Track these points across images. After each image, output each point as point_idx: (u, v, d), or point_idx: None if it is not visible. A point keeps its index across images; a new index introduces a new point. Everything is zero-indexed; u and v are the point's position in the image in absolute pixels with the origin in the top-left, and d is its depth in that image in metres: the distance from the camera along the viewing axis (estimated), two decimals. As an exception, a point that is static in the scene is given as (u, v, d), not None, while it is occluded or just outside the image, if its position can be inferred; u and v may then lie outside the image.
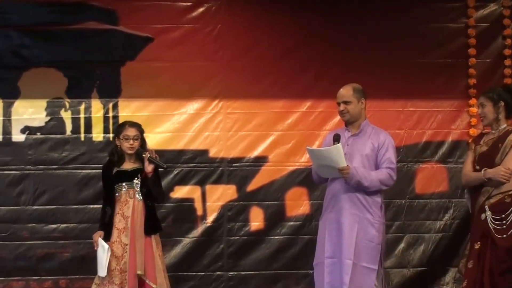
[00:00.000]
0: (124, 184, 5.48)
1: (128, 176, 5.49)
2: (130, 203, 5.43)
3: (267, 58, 6.81)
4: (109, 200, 5.50)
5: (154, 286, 5.50)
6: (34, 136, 6.74)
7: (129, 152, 5.49)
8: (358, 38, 6.84)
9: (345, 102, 5.34)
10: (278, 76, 6.83)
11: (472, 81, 7.07)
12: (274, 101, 6.85)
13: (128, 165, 5.51)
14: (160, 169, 5.57)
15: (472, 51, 7.08)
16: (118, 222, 5.43)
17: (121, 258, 5.42)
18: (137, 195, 5.44)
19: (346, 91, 5.36)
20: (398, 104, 6.92)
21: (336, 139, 5.21)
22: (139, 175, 5.45)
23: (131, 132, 5.48)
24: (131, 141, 5.46)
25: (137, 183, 5.45)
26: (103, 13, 6.72)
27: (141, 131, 5.56)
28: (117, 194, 5.47)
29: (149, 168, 5.41)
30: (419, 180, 7.00)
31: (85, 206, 6.59)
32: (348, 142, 5.37)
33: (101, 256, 5.38)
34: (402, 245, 6.97)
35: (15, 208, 6.68)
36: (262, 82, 6.84)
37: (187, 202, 6.83)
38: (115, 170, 5.50)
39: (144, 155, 5.41)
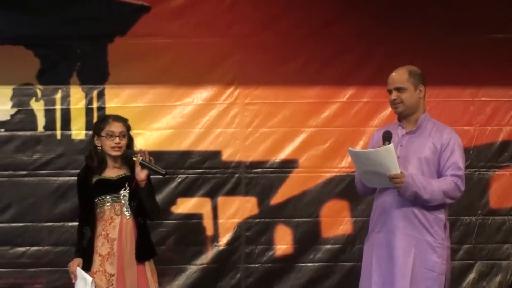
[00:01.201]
0: (107, 197, 4.55)
1: (112, 187, 4.57)
2: (116, 221, 4.55)
3: (296, 34, 5.73)
4: (87, 218, 4.57)
5: None
6: None
7: (114, 153, 4.53)
8: (412, 10, 5.77)
9: (399, 89, 4.44)
10: (311, 57, 5.74)
11: None
12: (306, 88, 5.75)
13: (111, 172, 4.59)
14: (155, 176, 4.67)
15: None
16: (101, 247, 4.51)
17: None
18: (125, 211, 4.53)
19: (399, 75, 4.48)
20: (466, 93, 5.84)
21: (387, 137, 4.37)
22: (126, 185, 4.52)
23: (116, 127, 4.55)
24: (117, 139, 4.52)
25: (124, 196, 4.54)
26: None
27: (128, 127, 4.64)
28: (98, 210, 4.54)
29: (141, 175, 4.50)
30: (495, 191, 5.94)
31: (62, 223, 5.53)
32: (402, 141, 4.49)
33: None
34: (472, 275, 5.91)
35: None
36: (289, 64, 5.74)
37: (193, 219, 5.73)
38: (95, 179, 4.57)
39: (135, 158, 4.50)
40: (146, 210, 4.51)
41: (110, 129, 4.49)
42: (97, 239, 4.45)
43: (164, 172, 4.56)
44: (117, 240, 4.45)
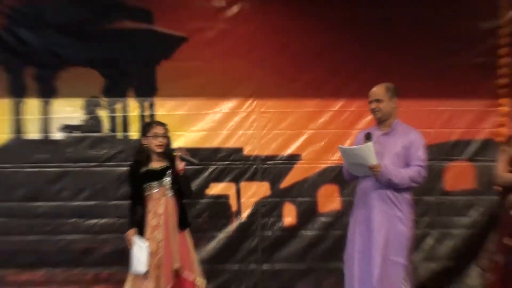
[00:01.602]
0: (154, 183, 5.02)
1: (157, 175, 5.01)
2: (162, 201, 4.99)
3: (300, 58, 6.06)
4: (139, 199, 5.02)
5: (191, 276, 5.09)
6: (72, 135, 6.07)
7: (158, 150, 5.00)
8: (389, 39, 6.03)
9: (378, 100, 4.90)
10: (311, 76, 6.08)
11: (502, 81, 6.16)
12: (307, 100, 6.10)
13: (155, 164, 5.04)
14: (191, 167, 5.22)
15: (502, 51, 6.15)
16: (151, 220, 4.97)
17: (155, 254, 4.97)
18: (168, 193, 5.01)
19: (378, 90, 4.92)
20: (428, 104, 6.13)
21: (368, 137, 4.80)
22: (168, 173, 5.01)
23: (160, 130, 5.02)
24: (160, 139, 4.99)
25: (167, 181, 5.01)
26: (138, 13, 5.95)
27: (167, 130, 5.10)
28: (147, 193, 5.01)
29: (180, 166, 4.99)
30: (448, 178, 6.25)
31: (124, 202, 5.79)
32: (379, 140, 4.91)
33: (139, 254, 4.94)
34: (430, 240, 6.25)
35: (56, 204, 6.02)
36: (295, 82, 6.10)
37: (222, 199, 6.17)
38: (143, 169, 5.02)
39: (175, 154, 4.99)
40: (183, 191, 5.04)
41: (155, 131, 4.98)
42: (148, 214, 4.96)
43: (197, 162, 5.10)
44: (163, 214, 4.96)
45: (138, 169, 4.99)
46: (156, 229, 4.95)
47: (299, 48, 5.99)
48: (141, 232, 4.96)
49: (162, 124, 5.04)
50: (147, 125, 5.11)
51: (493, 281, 4.98)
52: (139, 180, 4.99)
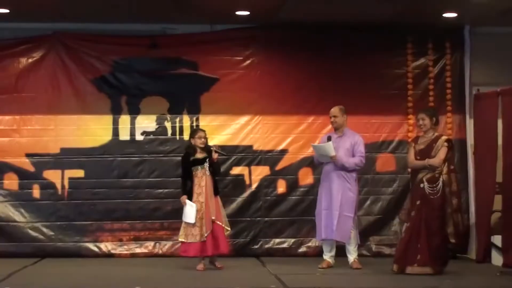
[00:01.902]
0: (199, 166, 6.78)
1: (200, 162, 6.79)
2: (204, 178, 6.80)
3: (288, 89, 8.23)
4: (189, 176, 6.78)
5: (222, 224, 6.86)
6: (148, 137, 8.21)
7: (202, 146, 6.79)
8: (343, 77, 8.13)
9: (335, 116, 7.00)
10: (295, 100, 8.22)
11: (409, 104, 8.38)
12: (292, 115, 8.29)
13: (199, 155, 6.81)
14: (222, 157, 6.98)
15: (410, 86, 8.37)
16: (197, 189, 6.76)
17: (199, 211, 6.73)
18: (207, 173, 6.82)
19: (335, 110, 7.02)
20: (365, 118, 8.29)
21: (329, 139, 6.90)
22: (207, 160, 6.77)
23: (202, 134, 6.86)
24: (203, 139, 6.82)
25: (207, 166, 6.83)
26: (189, 63, 8.13)
27: (206, 134, 6.92)
28: (194, 173, 6.78)
29: (215, 156, 6.73)
30: (378, 164, 8.35)
31: (179, 179, 7.48)
32: (336, 141, 7.01)
33: (190, 210, 6.63)
34: (368, 202, 8.35)
35: (137, 180, 8.18)
36: (285, 104, 8.25)
37: (240, 177, 8.29)
38: (191, 158, 6.79)
39: (212, 148, 6.77)
40: (216, 172, 6.79)
41: (200, 134, 6.87)
42: (195, 186, 6.73)
43: (226, 155, 7.04)
44: (204, 186, 6.71)
45: (188, 158, 6.76)
46: (199, 195, 6.72)
47: (287, 83, 8.16)
48: (190, 197, 6.69)
49: (203, 130, 6.95)
50: (194, 131, 7.04)
51: (407, 227, 6.65)
52: (189, 164, 6.74)
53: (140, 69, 8.03)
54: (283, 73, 8.19)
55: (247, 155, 8.24)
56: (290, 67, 8.15)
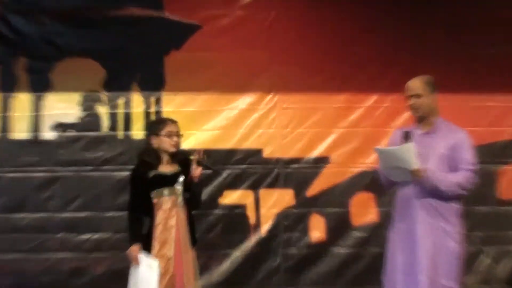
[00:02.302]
0: (165, 190, 4.63)
1: (168, 181, 4.64)
2: (173, 212, 4.63)
3: (327, 47, 5.84)
4: (145, 208, 4.61)
5: None
6: (66, 134, 5.77)
7: (172, 150, 4.63)
8: (429, 25, 5.83)
9: (416, 96, 4.56)
10: (339, 67, 5.86)
11: None
12: (335, 95, 5.86)
13: (165, 168, 4.67)
14: (204, 171, 4.77)
15: None
16: (160, 234, 4.59)
17: (165, 275, 4.56)
18: (179, 202, 4.64)
19: (415, 84, 4.60)
20: (475, 99, 5.87)
21: (407, 137, 4.47)
22: (180, 179, 4.64)
23: (174, 128, 4.66)
24: (175, 138, 4.64)
25: (180, 189, 4.64)
26: None
27: (179, 128, 4.88)
28: (155, 201, 4.63)
29: (197, 171, 4.61)
30: (503, 184, 5.87)
31: (123, 213, 5.24)
32: (420, 141, 4.55)
33: (147, 275, 4.56)
34: (484, 260, 5.81)
35: (43, 215, 5.65)
36: (321, 74, 5.84)
37: (238, 209, 5.84)
38: (151, 173, 4.63)
39: (192, 157, 4.61)
40: (194, 201, 4.58)
41: (170, 129, 4.55)
42: (157, 227, 4.48)
43: (216, 169, 4.82)
44: (175, 227, 4.49)
45: (144, 172, 4.57)
46: (164, 244, 4.52)
47: (325, 36, 5.78)
48: (147, 248, 4.52)
49: (175, 122, 4.70)
50: (158, 123, 4.76)
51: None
52: (145, 185, 4.56)
53: (51, 5, 5.76)
54: (318, 15, 5.88)
55: (252, 168, 5.87)
56: (328, 7, 5.88)
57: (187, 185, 4.55)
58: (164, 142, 4.54)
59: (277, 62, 5.75)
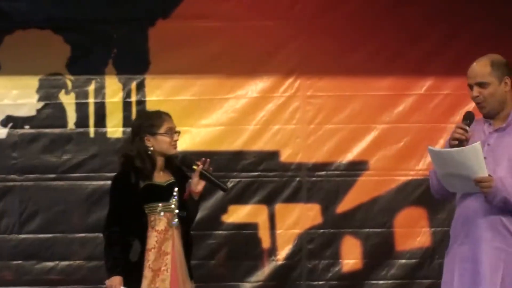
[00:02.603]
0: (159, 204, 4.06)
1: (163, 193, 4.08)
2: (169, 233, 4.11)
3: (367, 16, 5.03)
4: (133, 228, 4.02)
5: None
6: (21, 131, 4.95)
7: (173, 152, 4.12)
8: None
9: (480, 84, 3.87)
10: (383, 42, 5.05)
11: None
12: (377, 79, 5.05)
13: (159, 177, 4.10)
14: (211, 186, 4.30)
15: None
16: (154, 261, 4.10)
17: None
18: (174, 222, 4.08)
19: (481, 68, 3.91)
20: None
21: (468, 118, 3.85)
22: (175, 193, 4.05)
23: (173, 123, 4.15)
24: (176, 136, 4.14)
25: (174, 204, 4.09)
26: None
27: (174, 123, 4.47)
28: (148, 220, 4.09)
29: (199, 186, 4.08)
30: None
31: (96, 234, 4.68)
32: (490, 140, 3.91)
33: None
34: None
35: None
36: (358, 51, 5.04)
37: (247, 230, 5.05)
38: (143, 183, 4.05)
39: (195, 167, 4.04)
40: (192, 222, 4.04)
41: (170, 126, 3.96)
42: (149, 252, 3.92)
43: (226, 188, 4.08)
44: (170, 254, 3.99)
45: (134, 182, 3.98)
46: (159, 276, 4.02)
47: (363, 2, 5.03)
48: (136, 279, 3.95)
49: (170, 116, 4.15)
50: (154, 117, 4.09)
51: None
52: (135, 198, 3.97)
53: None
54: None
55: (267, 176, 5.06)
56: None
57: (183, 203, 4.01)
58: (163, 143, 3.95)
59: (300, 35, 4.98)
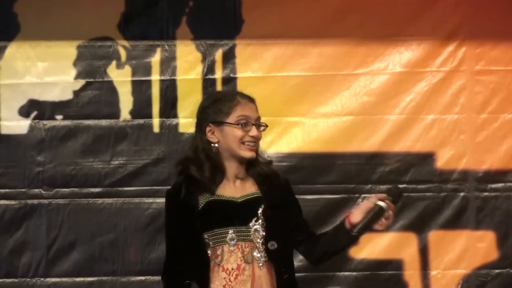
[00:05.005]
0: (229, 230, 2.69)
1: (236, 214, 2.68)
2: (246, 272, 2.68)
3: None
4: (190, 265, 2.67)
5: None
6: (50, 123, 3.61)
7: (245, 154, 2.68)
8: None
9: None
10: None
11: None
12: None
13: (232, 190, 2.71)
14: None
15: None
16: None
17: None
18: (257, 256, 2.64)
19: None
20: None
21: None
22: (260, 213, 2.64)
23: (251, 110, 2.68)
24: (254, 130, 2.66)
25: (257, 230, 2.66)
26: None
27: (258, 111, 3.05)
28: (212, 252, 2.71)
29: (389, 220, 2.39)
30: None
31: (155, 277, 3.55)
32: None
33: None
34: None
35: (8, 282, 3.53)
36: None
37: (387, 269, 3.62)
38: (203, 199, 2.66)
39: (393, 188, 2.50)
40: (316, 260, 2.73)
41: (245, 113, 2.65)
42: None
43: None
44: None
45: (190, 198, 2.71)
46: None
47: None
48: None
49: (254, 100, 2.77)
50: (220, 101, 2.78)
51: None
52: (193, 223, 2.71)
53: None
54: None
55: (416, 189, 3.58)
56: None
57: (272, 225, 2.77)
58: (231, 137, 2.72)
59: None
